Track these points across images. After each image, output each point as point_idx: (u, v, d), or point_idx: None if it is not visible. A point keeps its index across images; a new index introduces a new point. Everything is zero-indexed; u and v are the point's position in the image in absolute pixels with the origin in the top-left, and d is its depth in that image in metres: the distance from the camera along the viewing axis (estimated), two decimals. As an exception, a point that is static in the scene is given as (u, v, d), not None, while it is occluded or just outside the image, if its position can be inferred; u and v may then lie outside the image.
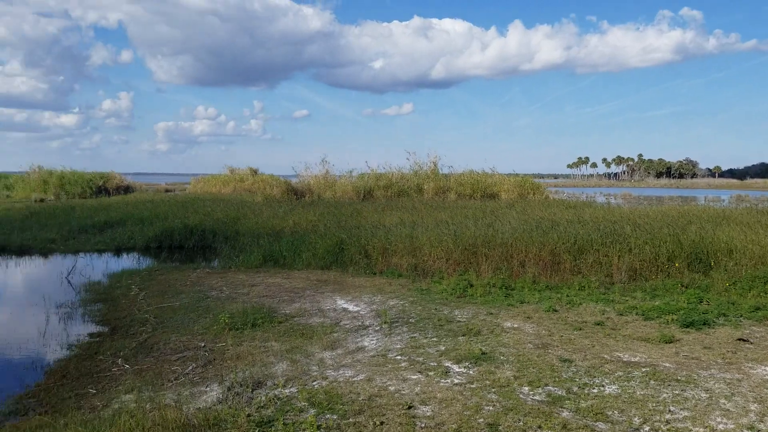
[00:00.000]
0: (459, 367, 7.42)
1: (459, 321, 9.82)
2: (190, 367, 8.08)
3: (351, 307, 11.10)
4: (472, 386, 6.75)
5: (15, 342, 10.17)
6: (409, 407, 6.17)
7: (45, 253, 20.01)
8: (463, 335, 8.89)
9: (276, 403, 6.39)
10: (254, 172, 44.60)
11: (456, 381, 6.95)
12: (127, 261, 18.67)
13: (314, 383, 7.00)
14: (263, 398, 6.51)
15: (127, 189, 46.83)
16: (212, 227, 21.84)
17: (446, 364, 7.54)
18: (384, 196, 29.85)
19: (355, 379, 7.11)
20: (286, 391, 6.77)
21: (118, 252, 20.30)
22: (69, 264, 17.15)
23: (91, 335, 10.29)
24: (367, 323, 9.90)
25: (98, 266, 17.27)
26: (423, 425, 5.76)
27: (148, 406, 6.41)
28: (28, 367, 8.84)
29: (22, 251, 19.99)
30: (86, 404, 7.09)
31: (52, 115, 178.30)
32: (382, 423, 5.80)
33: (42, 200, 40.95)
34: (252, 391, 6.77)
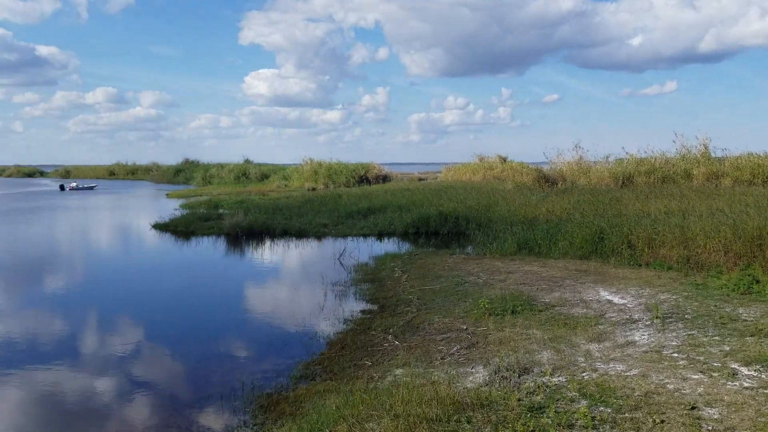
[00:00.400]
0: (748, 370, 6.62)
1: (745, 320, 8.77)
2: (455, 348, 8.33)
3: (616, 300, 10.53)
4: (766, 392, 5.99)
5: (300, 314, 11.44)
6: (692, 408, 5.66)
7: (319, 236, 22.19)
8: (752, 335, 7.92)
9: (545, 390, 6.29)
10: (503, 159, 44.56)
11: (746, 384, 6.22)
12: (389, 245, 19.90)
13: (583, 374, 6.77)
14: (531, 384, 6.45)
15: (385, 178, 49.93)
16: (465, 214, 22.32)
17: (733, 366, 6.78)
18: (645, 182, 27.79)
19: (628, 374, 6.72)
20: (555, 379, 6.64)
21: (380, 236, 21.76)
22: (339, 246, 18.80)
23: (363, 312, 11.17)
24: (635, 317, 9.31)
25: (364, 249, 18.64)
26: (710, 428, 5.25)
27: (419, 381, 6.73)
28: (312, 338, 9.86)
29: (300, 234, 22.38)
30: (364, 374, 7.69)
31: (319, 112, 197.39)
32: (662, 421, 5.40)
33: (314, 189, 45.55)
34: (519, 377, 6.76)
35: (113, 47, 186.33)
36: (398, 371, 7.54)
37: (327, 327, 10.38)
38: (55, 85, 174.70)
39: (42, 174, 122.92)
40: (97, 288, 14.91)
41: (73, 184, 65.26)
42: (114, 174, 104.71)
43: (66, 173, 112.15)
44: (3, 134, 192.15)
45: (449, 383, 6.56)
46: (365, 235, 21.96)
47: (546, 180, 31.11)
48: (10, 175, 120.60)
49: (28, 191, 62.15)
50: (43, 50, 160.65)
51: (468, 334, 8.96)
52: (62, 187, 62.76)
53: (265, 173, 64.45)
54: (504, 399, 6.02)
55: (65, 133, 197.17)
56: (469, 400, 5.93)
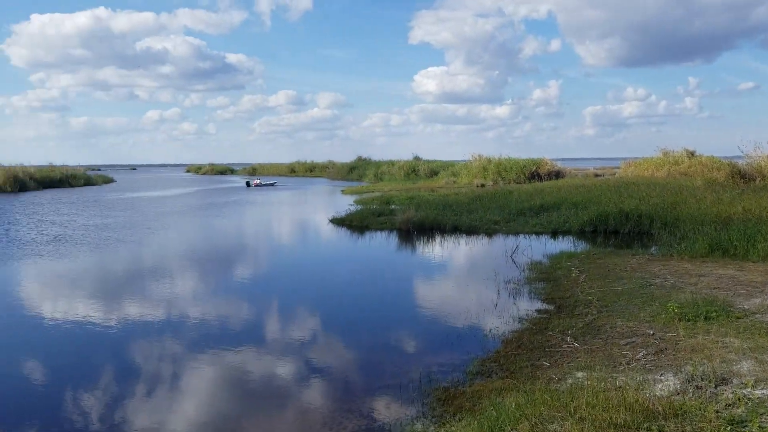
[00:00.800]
0: None
1: None
2: (641, 354, 7.89)
3: (831, 309, 9.36)
4: None
5: (473, 310, 11.45)
6: None
7: (489, 233, 22.05)
8: None
9: (746, 403, 5.76)
10: (690, 153, 41.24)
11: None
12: (564, 243, 19.28)
13: (794, 390, 6.10)
14: (730, 396, 5.94)
15: (558, 174, 48.34)
16: (648, 212, 20.99)
17: None
18: None
19: None
20: (757, 392, 6.05)
21: (554, 234, 21.14)
22: (511, 244, 18.55)
23: (538, 311, 10.94)
24: None
25: (537, 247, 18.23)
26: None
27: (603, 385, 6.46)
28: (486, 334, 9.83)
29: (470, 231, 22.40)
30: (542, 375, 7.53)
31: (488, 107, 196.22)
32: None
33: (482, 185, 45.31)
34: (715, 387, 6.24)
35: (293, 52, 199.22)
36: (579, 374, 7.29)
37: (501, 325, 10.29)
38: (243, 90, 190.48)
39: (232, 171, 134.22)
40: (281, 277, 16.02)
41: (257, 181, 70.91)
42: (294, 171, 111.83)
43: (252, 171, 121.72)
44: (199, 135, 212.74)
45: (637, 389, 6.23)
46: (538, 233, 21.45)
47: (741, 176, 28.34)
48: (205, 173, 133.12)
49: (220, 188, 68.26)
50: (232, 58, 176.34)
51: (655, 339, 8.44)
52: (248, 184, 68.49)
53: (434, 170, 65.26)
54: (700, 410, 5.59)
55: (251, 134, 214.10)
56: (660, 408, 5.59)
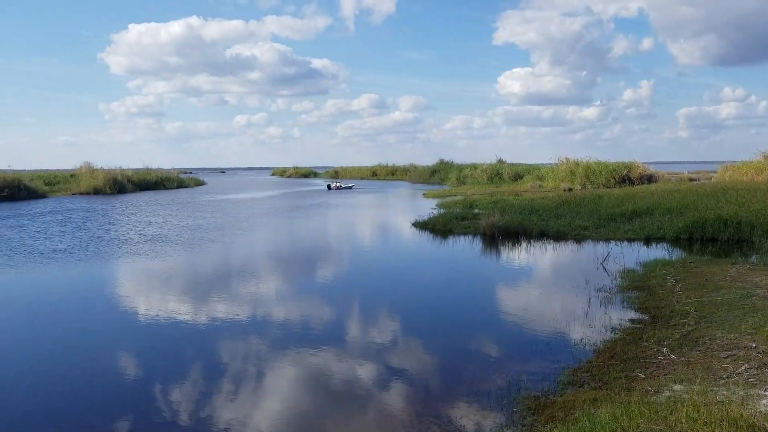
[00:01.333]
0: None
1: None
2: (743, 367, 7.54)
3: None
4: None
5: (562, 318, 11.24)
6: None
7: (578, 239, 21.52)
8: None
9: None
10: (795, 157, 38.89)
11: None
12: (658, 251, 18.56)
13: None
14: None
15: (650, 178, 46.48)
16: (748, 219, 19.91)
17: None
18: None
19: None
20: None
21: (647, 241, 20.39)
22: (601, 251, 18.06)
23: (631, 321, 10.62)
24: None
25: (629, 254, 17.65)
26: None
27: (703, 399, 6.22)
28: (577, 344, 9.63)
29: (558, 236, 21.93)
30: (636, 386, 7.32)
31: (575, 109, 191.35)
32: None
33: (570, 189, 44.23)
34: (829, 408, 5.90)
35: (375, 56, 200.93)
36: (677, 387, 7.05)
37: (592, 334, 10.05)
38: (327, 94, 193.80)
39: (315, 175, 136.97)
40: (364, 279, 16.25)
41: (337, 184, 72.43)
42: (376, 174, 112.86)
43: (335, 174, 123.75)
44: (284, 139, 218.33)
45: (741, 405, 5.97)
46: (630, 240, 20.75)
47: None
48: (290, 176, 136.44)
49: (304, 190, 69.84)
50: (317, 63, 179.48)
51: (758, 352, 8.04)
52: (329, 187, 70.28)
53: (518, 173, 64.34)
54: (813, 431, 5.31)
55: (334, 137, 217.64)
56: (767, 426, 5.34)
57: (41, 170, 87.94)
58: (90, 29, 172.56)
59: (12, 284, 15.68)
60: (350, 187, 70.71)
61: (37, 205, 43.49)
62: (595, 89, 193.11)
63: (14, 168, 60.38)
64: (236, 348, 10.03)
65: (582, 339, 9.82)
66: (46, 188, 58.07)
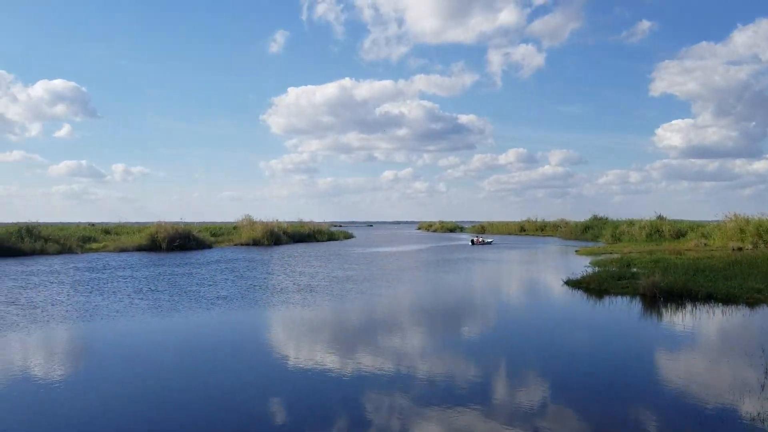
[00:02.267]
0: None
1: None
2: None
3: None
4: None
5: (736, 391, 10.12)
6: None
7: (751, 303, 19.51)
8: None
9: None
10: None
11: None
12: None
13: None
14: None
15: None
16: None
17: None
18: None
19: None
20: None
21: (835, 308, 18.06)
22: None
23: (821, 398, 9.33)
24: None
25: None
26: None
27: None
28: (753, 419, 8.61)
29: (727, 300, 20.03)
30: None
31: (743, 162, 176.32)
32: None
33: (740, 249, 40.57)
34: None
35: (523, 110, 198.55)
36: None
37: (773, 410, 8.94)
38: (473, 149, 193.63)
39: (461, 229, 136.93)
40: (513, 338, 15.68)
41: (480, 239, 73.32)
42: (524, 230, 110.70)
43: (481, 229, 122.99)
44: (430, 194, 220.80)
45: None
46: (814, 306, 18.50)
47: None
48: (435, 230, 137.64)
49: (449, 245, 69.98)
50: (463, 118, 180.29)
51: None
52: (472, 242, 71.28)
53: (680, 230, 60.31)
54: None
55: (480, 192, 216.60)
56: None
57: (208, 222, 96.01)
58: (256, 93, 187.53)
59: (178, 326, 16.93)
60: (490, 242, 71.30)
61: (204, 255, 47.20)
62: (765, 141, 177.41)
63: (185, 220, 65.98)
64: (380, 402, 9.99)
65: (759, 414, 8.77)
66: (212, 239, 63.12)
